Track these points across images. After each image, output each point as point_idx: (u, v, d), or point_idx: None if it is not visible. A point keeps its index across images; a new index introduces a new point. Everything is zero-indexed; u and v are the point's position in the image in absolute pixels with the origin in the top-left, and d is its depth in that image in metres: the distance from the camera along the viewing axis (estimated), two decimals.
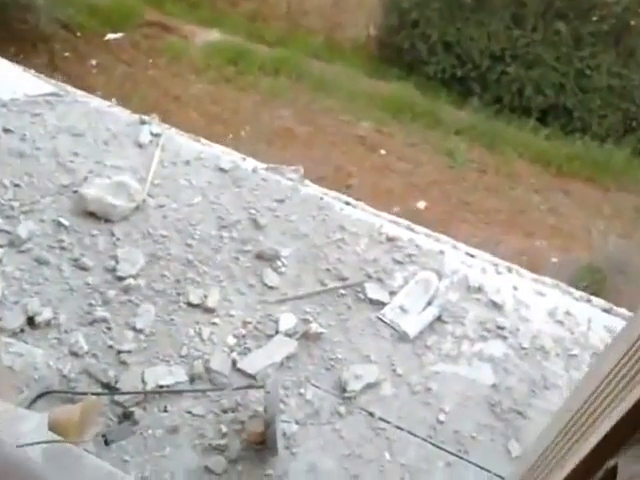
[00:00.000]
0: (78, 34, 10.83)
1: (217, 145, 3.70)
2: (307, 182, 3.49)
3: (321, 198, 3.27)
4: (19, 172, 3.18)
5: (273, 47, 10.92)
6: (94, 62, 10.65)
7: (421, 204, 7.54)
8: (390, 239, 3.06)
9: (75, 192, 3.11)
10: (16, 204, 3.02)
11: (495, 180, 6.01)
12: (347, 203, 3.26)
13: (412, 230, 3.22)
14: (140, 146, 3.43)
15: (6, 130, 3.38)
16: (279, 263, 2.90)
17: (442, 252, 3.04)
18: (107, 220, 3.01)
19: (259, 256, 2.93)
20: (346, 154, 8.11)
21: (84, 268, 2.80)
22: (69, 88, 3.97)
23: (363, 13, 9.47)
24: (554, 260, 4.64)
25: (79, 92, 3.92)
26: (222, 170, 3.35)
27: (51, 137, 3.40)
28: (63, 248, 2.87)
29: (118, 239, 2.93)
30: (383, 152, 8.02)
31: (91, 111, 3.60)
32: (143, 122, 3.55)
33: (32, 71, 4.03)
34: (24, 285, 2.71)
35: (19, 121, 3.46)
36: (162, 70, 10.42)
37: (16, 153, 3.28)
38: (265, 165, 3.50)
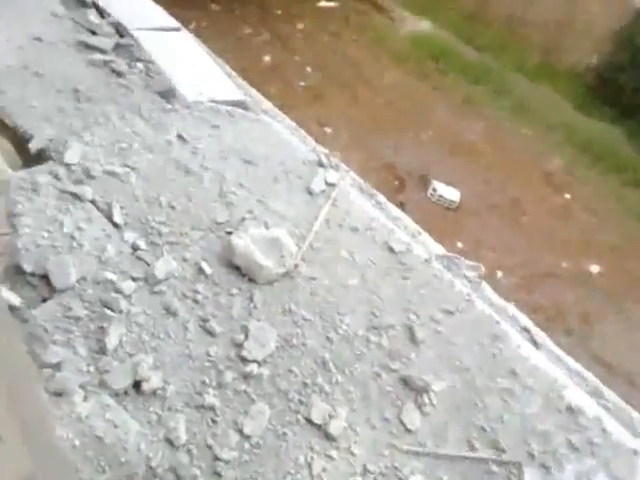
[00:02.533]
0: None
1: (394, 209, 3.30)
2: (485, 287, 3.01)
3: (497, 322, 2.78)
4: (179, 192, 3.01)
5: (481, 52, 10.20)
6: (301, 26, 10.66)
7: (594, 268, 6.70)
8: (571, 409, 2.53)
9: (228, 234, 2.88)
10: (165, 230, 2.87)
11: None
12: (530, 340, 2.73)
13: (601, 398, 2.64)
14: (310, 193, 3.14)
15: (180, 137, 3.23)
16: (426, 399, 2.48)
17: (637, 453, 2.44)
18: (251, 280, 2.76)
19: (405, 382, 2.53)
20: (526, 188, 7.40)
21: (211, 333, 2.58)
22: (256, 95, 3.75)
23: (589, 40, 8.49)
24: None
25: (265, 104, 3.69)
26: (391, 250, 2.97)
27: (222, 157, 3.20)
28: (196, 301, 2.66)
29: (255, 307, 2.67)
30: (568, 196, 7.21)
31: (271, 136, 3.36)
32: (321, 164, 3.26)
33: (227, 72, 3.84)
34: (144, 336, 2.53)
35: (196, 130, 3.29)
36: (363, 50, 10.17)
37: (183, 167, 3.12)
38: (441, 253, 3.07)
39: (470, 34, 10.79)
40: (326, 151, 3.50)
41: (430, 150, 7.71)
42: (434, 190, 6.18)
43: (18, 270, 2.67)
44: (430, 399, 2.50)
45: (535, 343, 2.80)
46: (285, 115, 3.73)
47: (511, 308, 3.00)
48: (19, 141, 3.28)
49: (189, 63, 3.71)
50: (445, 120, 8.75)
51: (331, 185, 3.20)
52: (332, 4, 11.51)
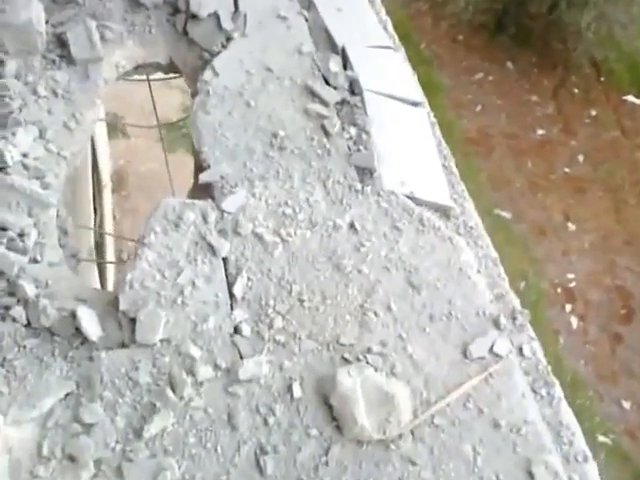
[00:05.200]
0: (601, 79, 10.29)
1: (567, 413, 2.63)
2: None
3: None
4: (317, 287, 2.73)
5: None
6: (594, 112, 9.93)
7: None
8: None
9: (343, 360, 2.51)
10: (279, 325, 2.61)
11: None
12: None
13: None
14: (464, 354, 2.66)
15: (352, 225, 2.97)
16: None
17: None
18: (338, 428, 2.35)
19: None
20: None
21: (260, 470, 2.27)
22: (470, 208, 3.30)
23: None
24: None
25: (474, 219, 3.23)
26: (530, 476, 2.32)
27: (384, 267, 2.89)
28: (266, 423, 2.37)
29: (326, 464, 2.32)
30: None
31: (454, 264, 2.91)
32: (497, 325, 2.71)
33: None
34: (190, 437, 2.27)
35: (373, 224, 3.01)
36: None
37: (336, 260, 2.85)
38: None
39: None
40: (518, 307, 2.93)
41: None
42: None
43: (115, 302, 2.56)
44: None
45: None
46: (489, 239, 3.21)
47: None
48: (197, 167, 3.24)
49: (408, 146, 3.39)
50: None
51: (496, 356, 2.63)
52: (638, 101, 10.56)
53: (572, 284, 7.54)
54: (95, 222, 6.45)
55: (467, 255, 2.95)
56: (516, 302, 3.00)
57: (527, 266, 7.67)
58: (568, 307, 7.40)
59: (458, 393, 2.52)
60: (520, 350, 2.79)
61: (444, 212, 3.22)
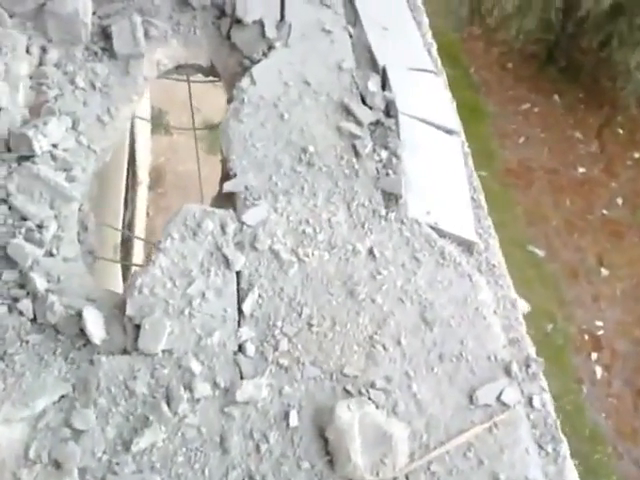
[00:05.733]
0: None
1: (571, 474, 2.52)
2: None
3: None
4: (328, 312, 2.66)
5: None
6: (636, 155, 9.67)
7: None
8: None
9: (345, 392, 2.44)
10: (284, 347, 2.56)
11: None
12: None
13: None
14: (470, 399, 2.55)
15: (370, 251, 2.89)
16: None
17: None
18: (330, 463, 2.28)
19: None
20: None
21: None
22: (495, 246, 3.19)
23: None
24: None
25: (497, 257, 3.12)
26: None
27: (399, 298, 2.80)
28: (258, 450, 2.32)
29: None
30: None
31: (470, 302, 2.83)
32: (508, 372, 2.60)
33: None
34: (179, 456, 2.25)
35: (393, 252, 2.92)
36: None
37: (350, 287, 2.78)
38: None
39: None
40: (533, 354, 2.82)
41: None
42: None
43: (122, 306, 2.52)
44: None
45: None
46: (510, 280, 3.11)
47: None
48: (223, 174, 3.20)
49: (438, 175, 3.30)
50: None
51: (503, 405, 2.53)
52: None
53: (600, 332, 7.34)
54: (125, 218, 6.45)
55: (485, 295, 2.85)
56: (531, 349, 2.89)
57: (556, 308, 7.48)
58: (594, 355, 7.20)
59: (459, 440, 2.42)
60: (530, 400, 2.68)
61: (467, 246, 3.13)
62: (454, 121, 3.65)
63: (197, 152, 5.87)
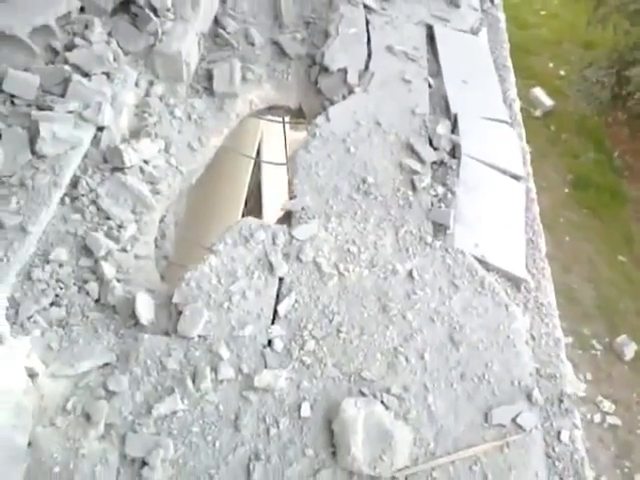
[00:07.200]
0: None
1: None
2: None
3: None
4: (358, 322, 2.78)
5: None
6: None
7: None
8: None
9: (360, 393, 2.51)
10: (310, 347, 2.70)
11: None
12: None
13: None
14: (486, 417, 2.53)
15: (410, 274, 2.96)
16: None
17: None
18: (334, 454, 2.36)
19: None
20: None
21: (249, 474, 2.28)
22: (546, 282, 3.19)
23: None
24: None
25: (549, 297, 3.11)
26: None
27: (431, 319, 2.85)
28: (268, 432, 2.45)
29: None
30: None
31: (502, 331, 2.83)
32: (529, 397, 2.57)
33: None
34: (194, 427, 2.40)
35: (433, 277, 3.00)
36: None
37: (384, 302, 2.88)
38: None
39: None
40: (568, 391, 2.76)
41: None
42: None
43: (172, 295, 2.79)
44: None
45: None
46: (559, 321, 3.07)
47: None
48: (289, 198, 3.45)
49: (492, 213, 3.36)
50: None
51: (518, 427, 2.50)
52: None
53: None
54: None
55: (519, 324, 2.85)
56: (569, 388, 2.83)
57: None
58: None
59: (467, 453, 2.42)
60: (558, 434, 2.62)
61: (515, 282, 3.14)
62: (521, 168, 3.71)
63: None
